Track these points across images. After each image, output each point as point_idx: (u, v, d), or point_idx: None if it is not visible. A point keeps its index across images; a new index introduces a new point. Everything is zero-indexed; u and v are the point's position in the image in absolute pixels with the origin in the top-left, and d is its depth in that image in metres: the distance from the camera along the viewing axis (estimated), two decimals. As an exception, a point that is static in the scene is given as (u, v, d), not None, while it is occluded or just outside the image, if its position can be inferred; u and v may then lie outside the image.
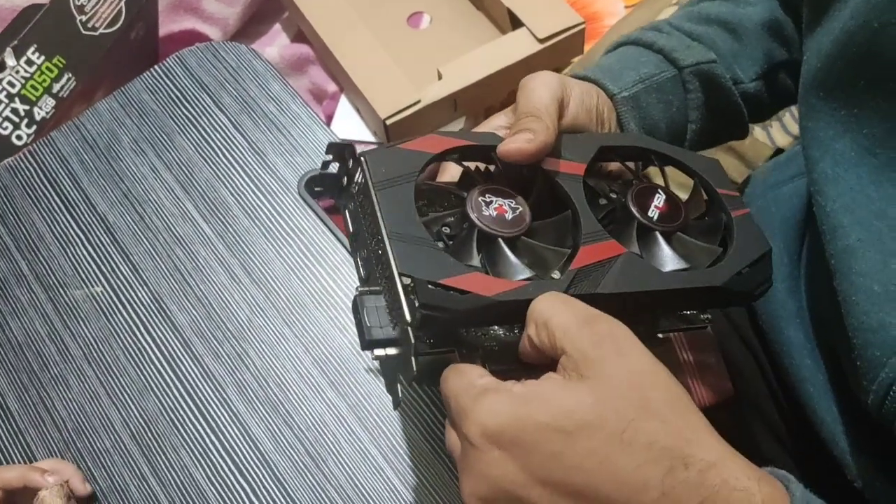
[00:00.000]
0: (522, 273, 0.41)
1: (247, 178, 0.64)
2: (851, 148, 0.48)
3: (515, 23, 0.93)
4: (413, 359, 0.38)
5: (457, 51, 0.92)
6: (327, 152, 0.44)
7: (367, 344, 0.39)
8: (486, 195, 0.42)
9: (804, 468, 0.66)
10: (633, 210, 0.45)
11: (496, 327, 0.43)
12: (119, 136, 0.67)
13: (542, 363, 0.40)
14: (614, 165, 0.53)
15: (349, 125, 0.92)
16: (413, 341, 0.38)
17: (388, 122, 0.84)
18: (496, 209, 0.42)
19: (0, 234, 0.64)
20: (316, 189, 0.46)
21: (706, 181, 0.50)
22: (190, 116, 0.67)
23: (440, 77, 0.87)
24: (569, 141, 0.47)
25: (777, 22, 0.61)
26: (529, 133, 0.44)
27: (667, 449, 0.35)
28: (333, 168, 0.45)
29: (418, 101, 0.85)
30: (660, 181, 0.50)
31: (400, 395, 0.42)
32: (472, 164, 0.46)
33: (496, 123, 0.52)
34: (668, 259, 0.46)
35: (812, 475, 0.66)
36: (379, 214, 0.39)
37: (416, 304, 0.37)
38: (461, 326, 0.41)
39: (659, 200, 0.47)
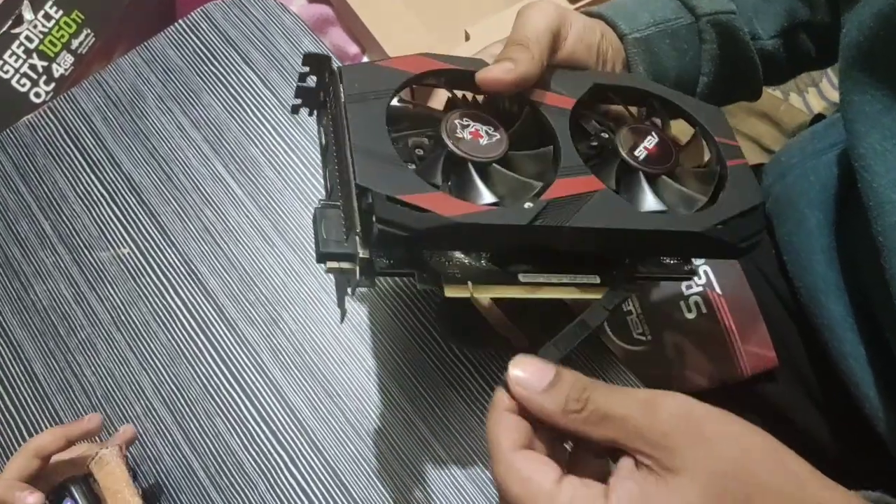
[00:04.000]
0: (488, 200, 0.39)
1: (277, 137, 0.62)
2: None
3: (544, -17, 0.90)
4: (357, 265, 0.37)
5: (482, 11, 0.89)
6: (304, 63, 0.42)
7: (320, 256, 0.38)
8: (464, 119, 0.41)
9: (843, 440, 0.65)
10: (619, 148, 0.43)
11: (460, 254, 0.41)
12: (143, 93, 0.64)
13: None
14: (617, 109, 0.50)
15: (372, 88, 0.89)
16: (359, 246, 0.37)
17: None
18: (471, 133, 0.40)
19: (22, 193, 0.61)
20: (293, 103, 0.43)
21: (705, 129, 0.48)
22: (217, 73, 0.65)
23: (467, 38, 0.84)
24: (563, 75, 0.45)
25: None
26: (510, 63, 0.42)
27: None
28: (312, 82, 0.43)
29: (446, 63, 0.82)
30: (669, 131, 0.48)
31: (345, 309, 0.41)
32: (460, 92, 0.44)
33: (492, 51, 0.49)
34: (649, 201, 0.44)
35: (851, 448, 0.65)
36: (346, 127, 0.38)
37: (374, 219, 0.36)
38: (420, 247, 0.40)
39: (650, 142, 0.45)
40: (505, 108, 0.45)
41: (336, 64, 0.41)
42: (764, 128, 0.84)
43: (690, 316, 0.63)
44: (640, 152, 0.44)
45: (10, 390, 0.55)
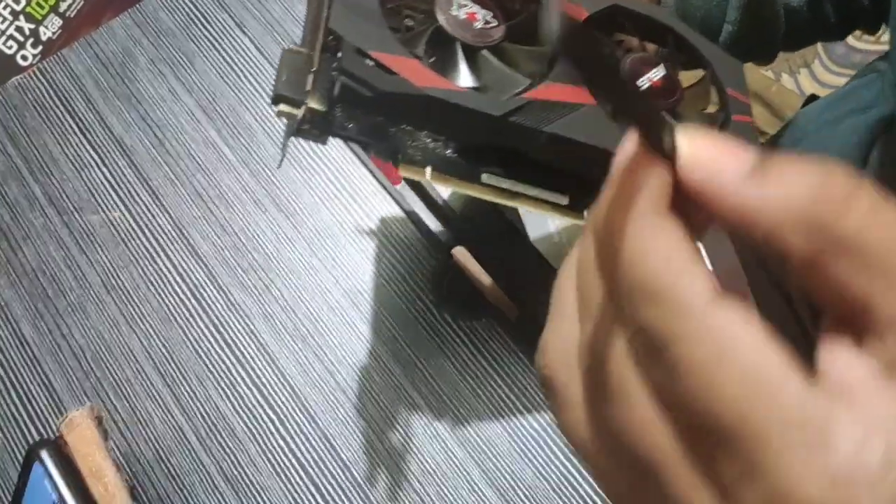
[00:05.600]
0: (469, 86, 0.38)
1: (272, 105, 0.61)
2: None
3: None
4: (302, 112, 0.35)
5: None
6: None
7: (276, 97, 0.36)
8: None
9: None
10: (621, 73, 0.42)
11: (426, 135, 0.39)
12: (135, 56, 0.64)
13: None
14: (633, 43, 0.49)
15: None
16: (313, 97, 0.35)
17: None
18: (467, 14, 0.38)
19: (11, 155, 0.61)
20: None
21: (717, 77, 0.46)
22: (211, 38, 0.64)
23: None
24: None
25: None
26: None
27: None
28: None
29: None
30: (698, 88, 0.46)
31: (284, 155, 0.40)
32: None
33: None
34: None
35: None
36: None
37: (338, 70, 0.34)
38: (382, 112, 0.37)
39: (656, 74, 0.43)
40: (514, 8, 0.42)
41: None
42: (756, 108, 0.84)
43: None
44: (644, 82, 0.42)
45: (0, 353, 0.55)
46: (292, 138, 0.37)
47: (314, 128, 0.36)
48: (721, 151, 0.19)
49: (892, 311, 0.17)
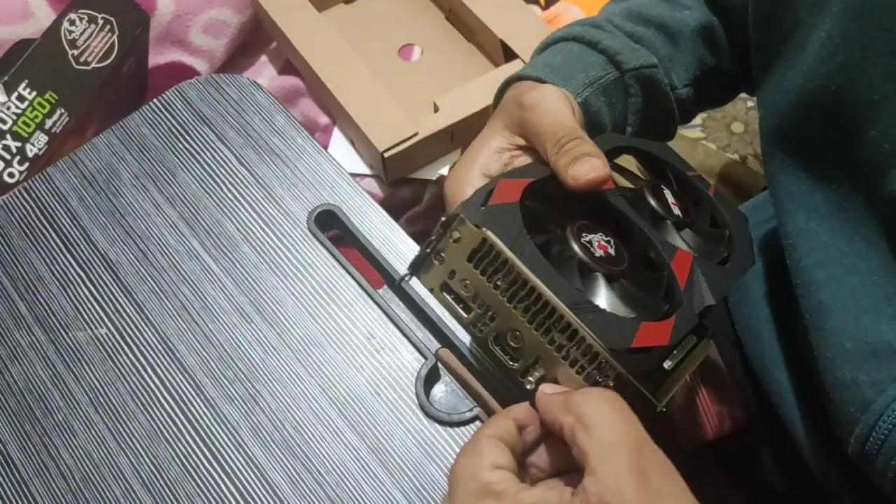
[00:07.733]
0: (624, 312, 0.41)
1: (253, 213, 0.63)
2: (823, 202, 0.47)
3: (508, 54, 0.93)
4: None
5: (449, 83, 0.91)
6: (441, 227, 0.41)
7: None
8: (583, 234, 0.41)
9: (805, 498, 0.66)
10: (659, 209, 0.46)
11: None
12: (119, 172, 0.65)
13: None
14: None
15: (343, 158, 0.91)
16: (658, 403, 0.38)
17: (387, 154, 0.83)
18: (599, 246, 0.41)
19: (-3, 274, 0.62)
20: (404, 274, 0.45)
21: (675, 167, 0.51)
22: (192, 151, 0.66)
23: (436, 109, 0.87)
24: None
25: (710, 28, 0.61)
26: (596, 159, 0.44)
27: None
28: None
29: (416, 134, 0.84)
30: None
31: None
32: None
33: (495, 146, 0.51)
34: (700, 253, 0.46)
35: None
36: (541, 285, 0.38)
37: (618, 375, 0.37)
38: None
39: (669, 195, 0.47)
40: (556, 203, 0.45)
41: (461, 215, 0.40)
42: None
43: (662, 379, 0.65)
44: (674, 208, 0.46)
45: (-15, 476, 0.55)
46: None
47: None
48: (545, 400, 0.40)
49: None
